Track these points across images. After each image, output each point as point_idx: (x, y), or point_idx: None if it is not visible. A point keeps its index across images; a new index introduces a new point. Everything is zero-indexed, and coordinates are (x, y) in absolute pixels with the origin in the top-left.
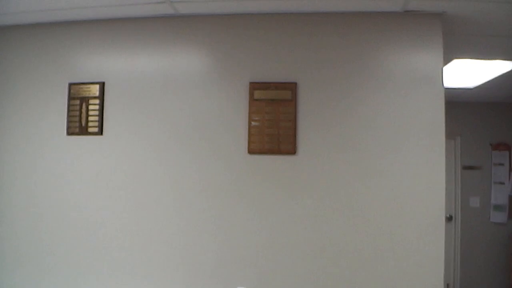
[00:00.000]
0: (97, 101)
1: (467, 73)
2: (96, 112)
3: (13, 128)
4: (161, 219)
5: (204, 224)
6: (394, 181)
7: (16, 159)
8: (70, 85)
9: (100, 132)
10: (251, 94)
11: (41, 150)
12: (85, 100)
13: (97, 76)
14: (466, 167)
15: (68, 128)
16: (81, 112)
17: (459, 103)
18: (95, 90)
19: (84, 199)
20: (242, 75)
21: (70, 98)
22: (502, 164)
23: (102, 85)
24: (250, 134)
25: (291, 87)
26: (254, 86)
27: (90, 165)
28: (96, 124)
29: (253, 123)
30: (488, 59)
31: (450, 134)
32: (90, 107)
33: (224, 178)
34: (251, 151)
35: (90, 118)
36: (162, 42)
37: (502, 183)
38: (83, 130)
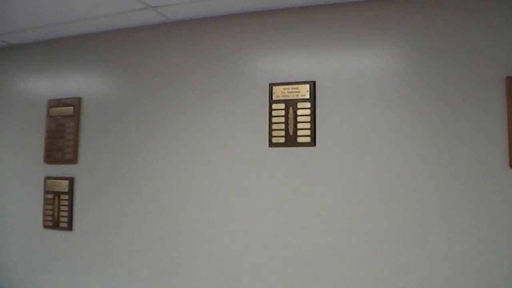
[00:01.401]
0: (307, 104)
1: None
2: (307, 118)
3: (205, 139)
4: (398, 252)
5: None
6: None
7: (206, 177)
8: (271, 85)
9: (313, 142)
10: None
11: (237, 166)
12: (292, 103)
13: (306, 74)
14: None
15: (270, 138)
16: (287, 118)
17: None
18: (304, 91)
19: (291, 222)
20: (495, 67)
21: (272, 101)
22: None
23: (313, 84)
24: None
25: None
26: None
27: (299, 183)
28: (308, 132)
29: None
30: None
31: None
32: (299, 111)
33: (484, 197)
34: None
35: (300, 126)
36: (381, 29)
37: None
38: (291, 140)
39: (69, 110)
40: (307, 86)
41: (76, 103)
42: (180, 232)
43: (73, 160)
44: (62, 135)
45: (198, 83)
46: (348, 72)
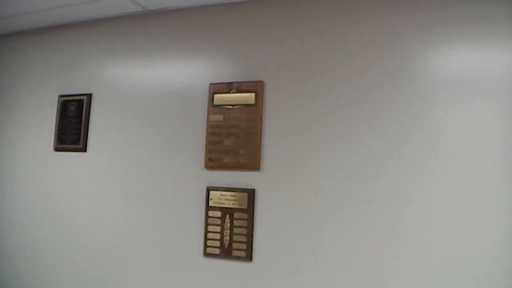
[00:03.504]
0: None
1: None
2: None
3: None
4: None
5: None
6: None
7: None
8: None
9: None
10: None
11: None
12: None
13: None
14: None
15: None
16: None
17: None
18: None
19: None
20: None
21: None
22: None
23: None
24: None
25: None
26: None
27: None
28: None
29: None
30: None
31: None
32: None
33: None
34: None
35: None
36: None
37: None
38: None
39: (248, 98)
40: None
41: (259, 88)
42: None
43: (254, 165)
44: (235, 131)
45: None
46: None
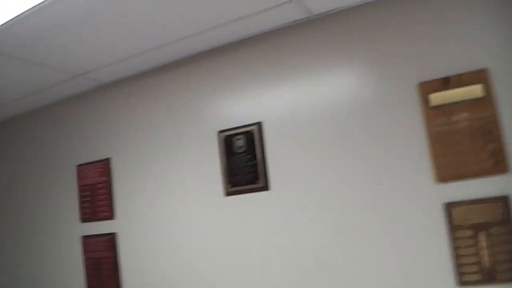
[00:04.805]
0: None
1: None
2: None
3: None
4: None
5: None
6: None
7: None
8: None
9: None
10: None
11: None
12: None
13: None
14: None
15: None
16: None
17: None
18: None
19: None
20: None
21: None
22: None
23: None
24: None
25: None
26: None
27: None
28: None
29: None
30: None
31: None
32: None
33: None
34: None
35: None
36: None
37: None
38: None
39: (474, 91)
40: None
41: (483, 78)
42: None
43: (500, 168)
44: (467, 132)
45: None
46: None
